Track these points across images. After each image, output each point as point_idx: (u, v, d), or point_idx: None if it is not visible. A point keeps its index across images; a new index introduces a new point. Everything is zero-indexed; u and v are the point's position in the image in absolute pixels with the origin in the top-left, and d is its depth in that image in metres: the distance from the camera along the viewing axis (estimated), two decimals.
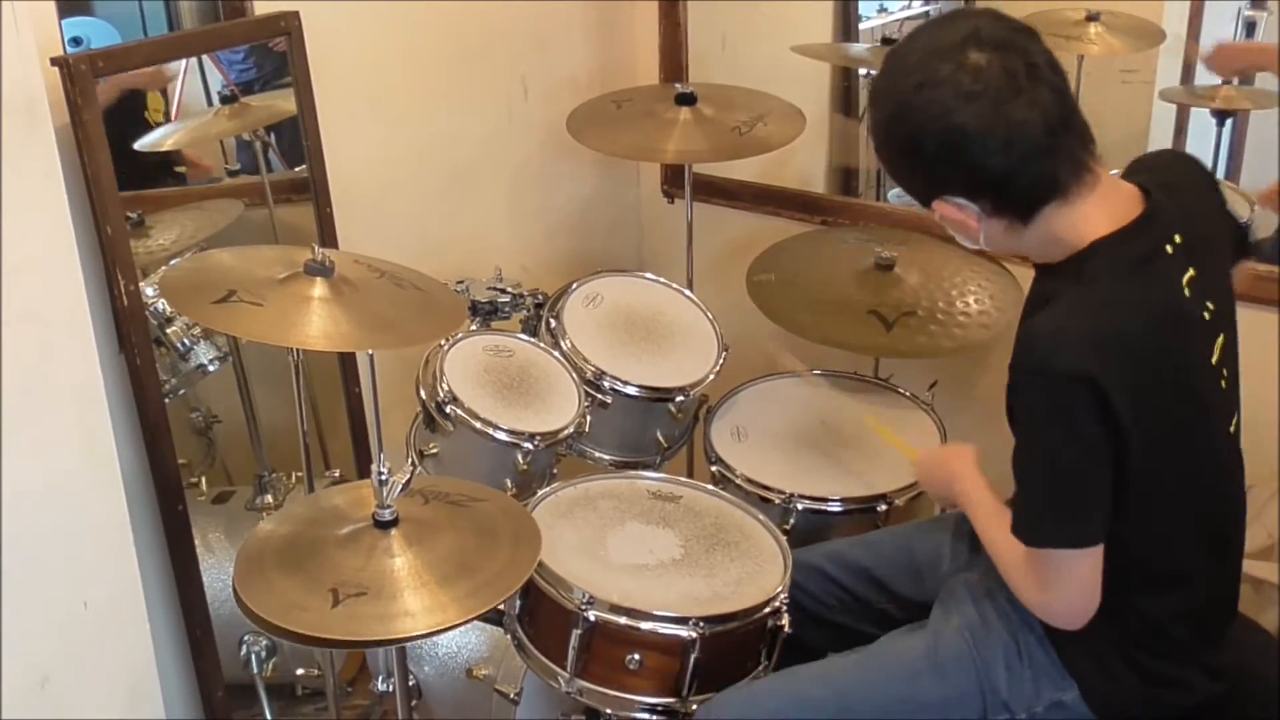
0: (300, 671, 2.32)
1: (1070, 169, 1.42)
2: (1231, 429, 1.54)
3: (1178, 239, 1.45)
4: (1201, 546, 1.54)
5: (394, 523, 1.56)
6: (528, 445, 2.00)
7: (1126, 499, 1.43)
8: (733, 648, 1.71)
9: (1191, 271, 1.45)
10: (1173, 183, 1.51)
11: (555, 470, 2.14)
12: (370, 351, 1.52)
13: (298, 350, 1.89)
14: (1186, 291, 1.44)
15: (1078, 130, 1.42)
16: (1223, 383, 1.50)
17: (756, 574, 1.77)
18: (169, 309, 2.05)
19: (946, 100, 1.37)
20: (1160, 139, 2.53)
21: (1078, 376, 1.35)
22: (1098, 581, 1.46)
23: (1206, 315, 1.46)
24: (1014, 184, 1.41)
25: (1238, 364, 1.56)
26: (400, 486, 1.56)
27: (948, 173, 1.42)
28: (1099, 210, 1.43)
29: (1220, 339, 1.48)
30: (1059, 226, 1.44)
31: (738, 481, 2.08)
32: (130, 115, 2.09)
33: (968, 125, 1.37)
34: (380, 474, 1.54)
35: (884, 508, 2.02)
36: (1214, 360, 1.48)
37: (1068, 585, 1.47)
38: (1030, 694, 1.58)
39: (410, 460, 2.09)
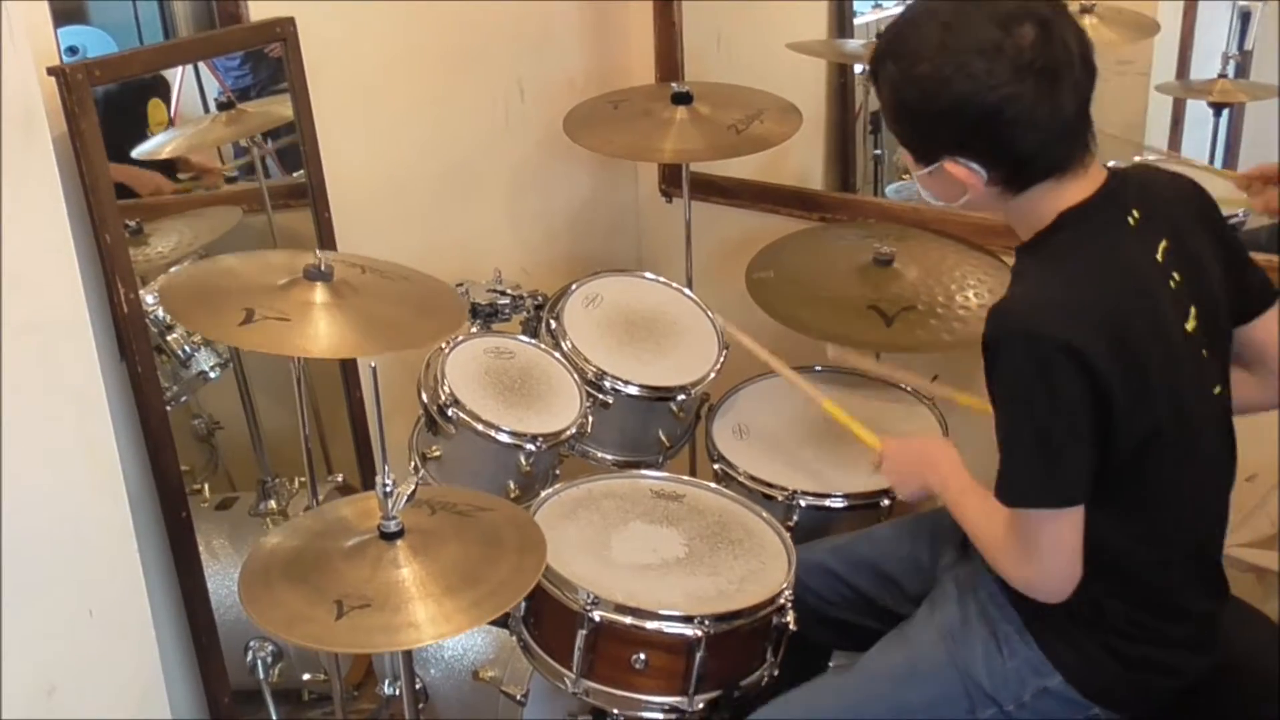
0: (306, 676, 2.31)
1: (1080, 153, 1.44)
2: (1216, 392, 1.53)
3: (1136, 213, 1.47)
4: (1186, 511, 1.52)
5: (399, 534, 1.56)
6: (530, 447, 2.00)
7: (1117, 469, 1.42)
8: (738, 646, 1.71)
9: (1165, 243, 1.47)
10: (1153, 180, 1.54)
11: (558, 471, 2.14)
12: (373, 364, 1.52)
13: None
14: (1159, 257, 1.46)
15: (1088, 115, 1.43)
16: (1204, 351, 1.50)
17: (761, 571, 1.77)
18: (169, 316, 2.05)
19: (1002, 72, 1.35)
20: (1156, 130, 2.54)
21: (1057, 342, 1.36)
22: (1078, 548, 1.45)
23: (1172, 284, 1.47)
24: (1035, 160, 1.42)
25: (1224, 340, 1.55)
26: (405, 498, 1.56)
27: (973, 139, 1.41)
28: (1075, 188, 1.46)
29: (1193, 309, 1.48)
30: (1042, 202, 1.46)
31: (740, 479, 2.08)
32: (133, 128, 2.10)
33: (1022, 98, 1.36)
34: (385, 486, 1.54)
35: (887, 503, 2.01)
36: (1189, 328, 1.48)
37: (1050, 552, 1.46)
38: (1015, 685, 1.58)
39: (413, 466, 2.09)
